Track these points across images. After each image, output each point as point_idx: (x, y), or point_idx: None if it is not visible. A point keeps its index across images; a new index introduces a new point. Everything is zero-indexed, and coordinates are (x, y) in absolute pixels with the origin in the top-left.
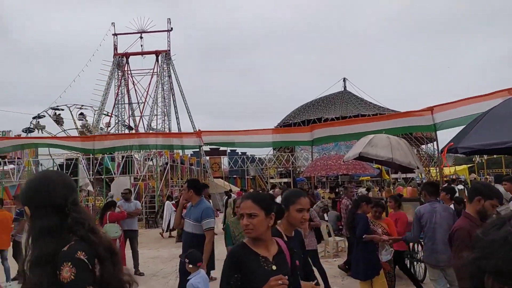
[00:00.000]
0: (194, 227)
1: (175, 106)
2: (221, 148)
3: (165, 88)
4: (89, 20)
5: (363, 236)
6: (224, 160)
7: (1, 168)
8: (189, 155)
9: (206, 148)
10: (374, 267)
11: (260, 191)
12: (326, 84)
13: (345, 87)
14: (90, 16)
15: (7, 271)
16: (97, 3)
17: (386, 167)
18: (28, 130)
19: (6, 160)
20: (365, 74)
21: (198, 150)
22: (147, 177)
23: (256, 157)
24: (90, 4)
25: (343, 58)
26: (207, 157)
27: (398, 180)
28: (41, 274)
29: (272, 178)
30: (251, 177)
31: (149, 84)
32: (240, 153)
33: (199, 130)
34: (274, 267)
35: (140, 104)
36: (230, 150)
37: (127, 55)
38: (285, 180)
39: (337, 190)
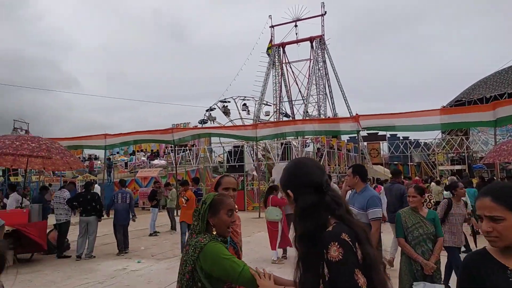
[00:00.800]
0: (359, 215)
1: (330, 92)
2: (380, 133)
3: (320, 74)
4: (249, 17)
5: None
6: (384, 146)
7: (182, 154)
8: (346, 141)
9: (363, 133)
10: None
11: (428, 179)
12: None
13: None
14: (249, 13)
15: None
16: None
17: None
18: (202, 121)
19: (187, 147)
20: None
21: (355, 135)
22: None
23: (421, 142)
24: (248, 1)
25: None
26: (365, 143)
27: None
28: (306, 248)
29: (441, 164)
30: (415, 164)
31: (305, 71)
32: (401, 138)
33: (356, 114)
34: None
35: (296, 91)
36: (390, 134)
37: (283, 45)
38: (458, 167)
39: None
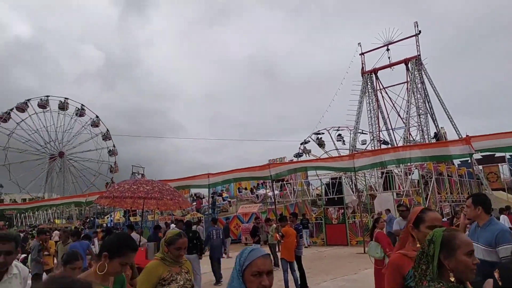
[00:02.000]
0: (485, 253)
1: (433, 113)
2: (497, 154)
3: (418, 96)
4: (338, 47)
5: None
6: (504, 168)
7: (279, 190)
8: (457, 166)
9: (477, 155)
10: None
11: None
12: None
13: None
14: (338, 43)
15: (295, 281)
16: (341, 27)
17: None
18: (297, 155)
19: (284, 183)
20: None
21: (467, 159)
22: (410, 192)
23: None
24: (336, 30)
25: None
26: (480, 166)
27: None
28: None
29: None
30: None
31: (402, 94)
32: None
33: (467, 135)
34: None
35: (393, 117)
36: (510, 155)
37: (375, 70)
38: None
39: None
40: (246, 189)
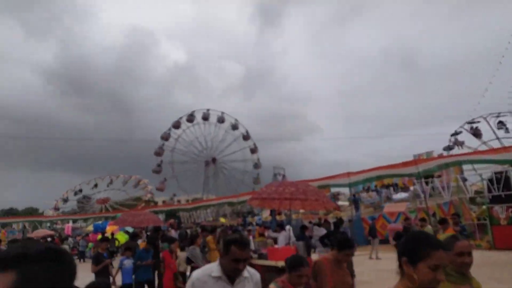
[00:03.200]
0: None
1: None
2: None
3: None
4: (486, 24)
5: None
6: None
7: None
8: None
9: None
10: None
11: None
12: None
13: None
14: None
15: None
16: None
17: None
18: (448, 148)
19: (433, 178)
20: None
21: None
22: None
23: None
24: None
25: None
26: None
27: None
28: None
29: None
30: None
31: None
32: None
33: None
34: None
35: None
36: None
37: None
38: None
39: None
40: (388, 187)
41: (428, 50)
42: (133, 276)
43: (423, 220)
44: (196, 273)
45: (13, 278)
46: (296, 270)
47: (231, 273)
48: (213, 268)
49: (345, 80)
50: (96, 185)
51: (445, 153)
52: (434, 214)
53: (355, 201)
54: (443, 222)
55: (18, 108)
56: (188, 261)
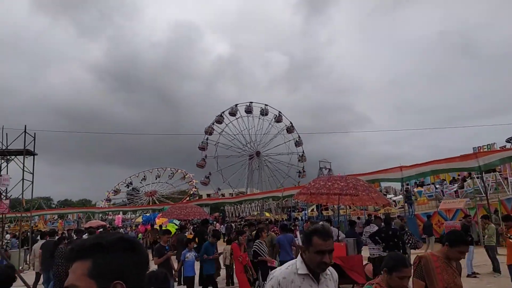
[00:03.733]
0: None
1: None
2: None
3: None
4: None
5: None
6: None
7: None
8: None
9: None
10: None
11: None
12: None
13: None
14: None
15: None
16: None
17: None
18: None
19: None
20: None
21: None
22: None
23: None
24: None
25: None
26: None
27: None
28: None
29: None
30: None
31: None
32: None
33: None
34: None
35: None
36: None
37: None
38: None
39: None
40: (444, 182)
41: (492, 33)
42: (197, 270)
43: (486, 217)
44: (281, 271)
45: (89, 266)
46: (398, 271)
47: (317, 268)
48: (296, 265)
49: (395, 68)
50: (144, 178)
51: (508, 146)
52: (496, 211)
53: (408, 197)
54: (508, 219)
55: (72, 105)
56: (255, 254)
